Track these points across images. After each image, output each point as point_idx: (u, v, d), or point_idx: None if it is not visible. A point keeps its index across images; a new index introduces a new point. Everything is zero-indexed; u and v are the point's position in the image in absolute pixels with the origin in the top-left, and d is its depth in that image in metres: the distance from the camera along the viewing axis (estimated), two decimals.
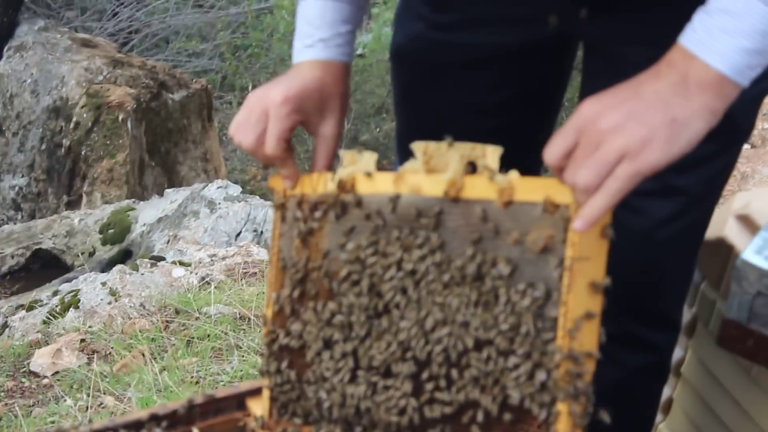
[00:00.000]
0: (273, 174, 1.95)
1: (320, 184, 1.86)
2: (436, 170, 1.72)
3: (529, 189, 1.61)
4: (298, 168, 1.92)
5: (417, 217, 1.72)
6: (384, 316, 1.74)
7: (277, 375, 1.89)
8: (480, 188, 1.66)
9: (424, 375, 1.69)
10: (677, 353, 2.52)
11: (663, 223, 1.97)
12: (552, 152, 1.55)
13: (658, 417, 2.64)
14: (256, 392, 2.04)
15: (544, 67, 2.13)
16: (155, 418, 1.97)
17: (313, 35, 1.97)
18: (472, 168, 1.69)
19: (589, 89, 2.07)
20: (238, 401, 2.05)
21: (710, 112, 1.52)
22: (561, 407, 1.55)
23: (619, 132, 1.48)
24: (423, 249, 1.70)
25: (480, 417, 1.63)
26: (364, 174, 1.80)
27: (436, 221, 1.69)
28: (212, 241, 6.86)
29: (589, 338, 1.57)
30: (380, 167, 1.82)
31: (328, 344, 1.81)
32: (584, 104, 1.55)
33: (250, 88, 15.57)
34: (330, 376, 1.80)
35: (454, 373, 1.66)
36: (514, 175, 1.63)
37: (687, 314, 2.49)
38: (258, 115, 1.87)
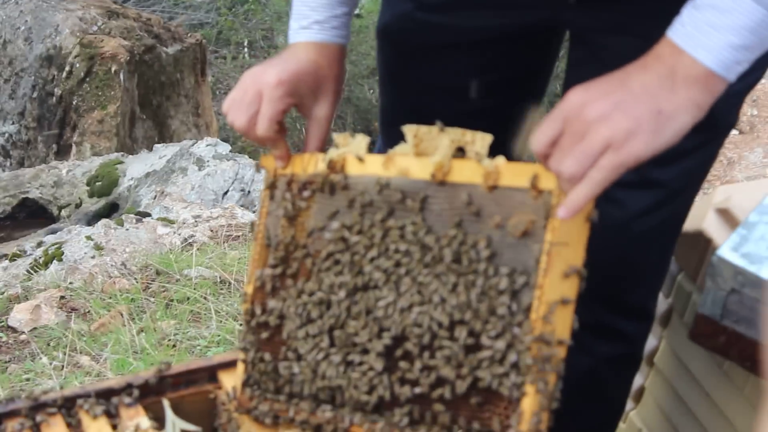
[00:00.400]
0: (265, 153, 1.96)
1: (311, 165, 1.87)
2: (425, 154, 1.73)
3: (514, 174, 1.62)
4: (290, 149, 1.93)
5: (402, 200, 1.72)
6: (362, 294, 1.75)
7: (252, 350, 1.89)
8: (467, 172, 1.67)
9: (397, 353, 1.69)
10: (651, 342, 2.53)
11: (639, 215, 1.97)
12: (538, 139, 1.56)
13: (630, 405, 2.65)
14: (228, 365, 2.05)
15: (529, 53, 2.12)
16: (127, 387, 1.97)
17: (309, 17, 1.96)
18: (461, 154, 1.70)
19: (573, 79, 2.07)
20: (210, 373, 2.05)
21: (696, 106, 1.53)
22: (529, 389, 1.55)
23: (604, 122, 1.49)
24: (405, 231, 1.71)
25: (448, 394, 1.63)
26: (355, 156, 1.81)
27: (421, 205, 1.70)
28: (199, 199, 6.86)
29: (563, 324, 1.58)
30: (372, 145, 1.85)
31: (305, 321, 1.81)
32: (571, 93, 1.56)
33: (245, 43, 15.54)
34: (305, 353, 1.80)
35: (427, 352, 1.66)
36: (500, 160, 1.65)
37: (663, 304, 2.50)
38: (252, 96, 1.89)
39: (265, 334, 1.88)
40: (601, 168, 1.49)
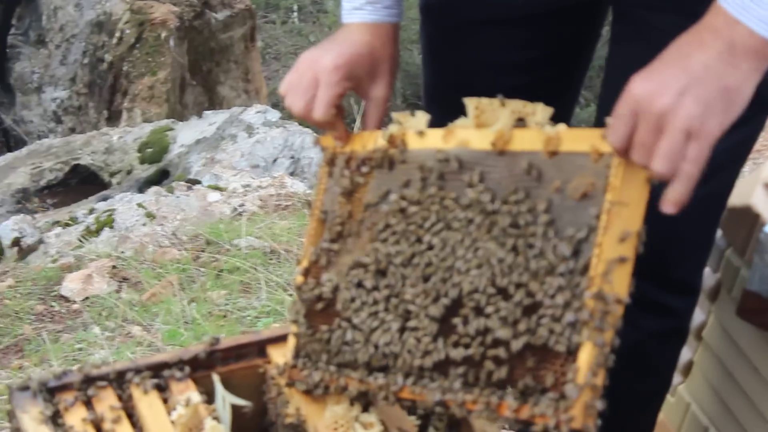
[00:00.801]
0: (323, 133, 1.97)
1: (370, 142, 1.89)
2: (486, 125, 1.74)
3: (575, 139, 1.63)
4: (347, 129, 1.95)
5: (460, 169, 1.74)
6: (419, 260, 1.75)
7: (305, 323, 1.90)
8: (527, 140, 1.68)
9: (453, 318, 1.70)
10: (699, 317, 2.52)
11: None
12: (615, 138, 1.57)
13: (678, 379, 2.64)
14: (277, 339, 2.06)
15: (571, 30, 2.12)
16: (177, 362, 1.99)
17: None
18: (521, 125, 1.71)
19: (616, 56, 2.08)
20: (260, 348, 2.06)
21: (757, 73, 1.55)
22: (586, 345, 1.54)
23: (677, 112, 1.51)
24: (464, 198, 1.72)
25: (503, 354, 1.63)
26: (415, 131, 1.82)
27: (481, 175, 1.71)
28: (248, 166, 6.88)
29: (620, 282, 1.57)
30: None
31: (360, 291, 1.82)
32: (634, 84, 1.57)
33: (295, 8, 15.53)
34: (359, 322, 1.81)
35: (483, 314, 1.66)
36: (561, 126, 1.66)
37: (711, 279, 2.49)
38: (309, 81, 1.91)
39: (319, 306, 1.89)
40: (692, 160, 1.52)
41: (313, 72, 1.91)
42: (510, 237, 1.65)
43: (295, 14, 15.89)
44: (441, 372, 1.71)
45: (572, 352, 1.56)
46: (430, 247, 1.74)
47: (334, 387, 1.85)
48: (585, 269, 1.56)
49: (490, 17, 2.07)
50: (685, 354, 2.55)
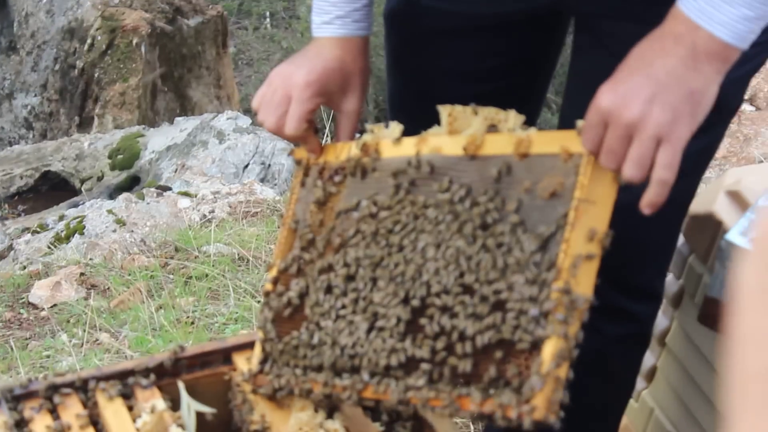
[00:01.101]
0: (297, 145, 1.99)
1: (344, 152, 1.91)
2: (458, 132, 1.77)
3: (545, 142, 1.66)
4: (320, 143, 1.98)
5: (431, 174, 1.76)
6: (388, 262, 1.76)
7: (272, 329, 1.91)
8: (499, 144, 1.71)
9: (419, 317, 1.70)
10: (663, 323, 2.54)
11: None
12: (586, 143, 1.61)
13: (642, 384, 2.66)
14: (243, 347, 2.06)
15: (534, 38, 2.13)
16: (142, 369, 1.99)
17: (330, 12, 1.98)
18: (493, 131, 1.73)
19: (577, 65, 2.10)
20: (225, 355, 2.06)
21: (719, 75, 1.60)
22: (550, 339, 1.55)
23: (646, 121, 1.55)
24: (434, 202, 1.74)
25: (469, 349, 1.63)
26: (389, 139, 1.85)
27: (450, 178, 1.73)
28: (220, 173, 6.88)
29: (586, 278, 1.59)
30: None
31: (328, 294, 1.83)
32: (601, 95, 1.61)
33: (267, 15, 15.52)
34: (326, 325, 1.81)
35: (448, 312, 1.67)
36: (532, 130, 1.69)
37: (674, 285, 2.51)
38: (281, 97, 1.93)
39: (287, 312, 1.90)
40: (666, 165, 1.57)
41: (285, 88, 1.93)
42: (479, 237, 1.67)
43: (268, 20, 15.88)
44: (406, 371, 1.71)
45: (537, 346, 1.57)
46: (400, 249, 1.76)
47: (298, 390, 1.85)
48: (551, 264, 1.58)
49: (453, 26, 2.08)
50: (649, 360, 2.57)
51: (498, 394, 1.58)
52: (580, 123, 1.63)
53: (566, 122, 2.11)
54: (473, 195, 1.70)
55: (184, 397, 1.97)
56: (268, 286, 1.95)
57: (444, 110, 1.79)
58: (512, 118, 1.72)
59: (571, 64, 2.11)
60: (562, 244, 1.58)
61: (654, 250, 2.16)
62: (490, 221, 1.66)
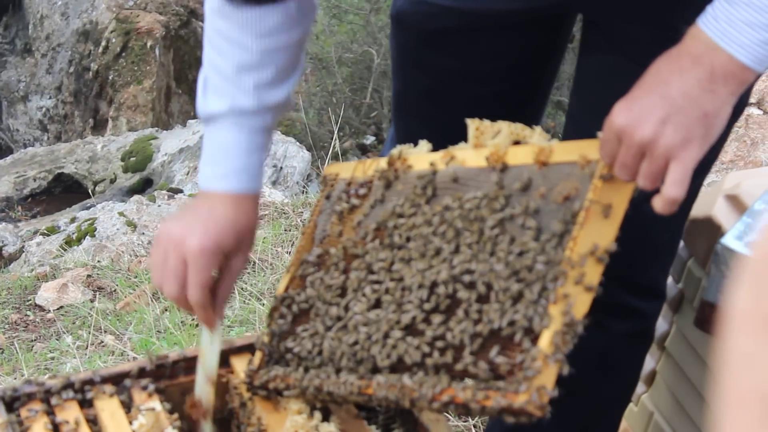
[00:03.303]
0: (331, 163, 2.00)
1: (371, 168, 1.92)
2: (483, 146, 1.79)
3: (565, 151, 1.68)
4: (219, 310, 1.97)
5: (453, 183, 1.77)
6: (400, 267, 1.77)
7: (276, 333, 1.92)
8: (521, 155, 1.72)
9: (431, 317, 1.70)
10: (662, 327, 2.54)
11: (650, 195, 2.00)
12: (604, 158, 1.62)
13: (642, 388, 2.66)
14: (240, 350, 2.07)
15: (541, 39, 2.14)
16: (140, 372, 2.00)
17: (226, 165, 1.92)
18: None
19: (586, 64, 2.11)
20: (223, 358, 2.07)
21: (733, 97, 1.60)
22: (549, 329, 1.55)
23: (659, 141, 1.56)
24: (451, 209, 1.74)
25: (475, 346, 1.63)
26: (415, 154, 1.86)
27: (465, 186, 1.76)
28: None
29: (592, 274, 1.60)
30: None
31: (336, 299, 1.84)
32: (616, 113, 1.61)
33: None
34: (327, 328, 1.82)
35: (449, 313, 1.68)
36: (554, 141, 1.72)
37: (673, 289, 2.51)
38: (175, 263, 1.86)
39: (291, 317, 1.91)
40: (673, 183, 1.57)
41: (179, 253, 1.85)
42: (489, 241, 1.67)
43: None
44: (404, 369, 1.72)
45: (535, 338, 1.57)
46: (411, 251, 1.76)
47: (292, 389, 1.85)
48: (558, 261, 1.59)
49: (461, 26, 2.09)
50: (649, 363, 2.57)
51: (493, 387, 1.58)
52: (599, 133, 1.65)
53: (574, 120, 2.14)
54: (489, 200, 1.71)
55: (205, 334, 1.98)
56: (280, 291, 1.96)
57: (472, 124, 1.80)
58: (537, 134, 1.74)
59: (578, 65, 2.13)
60: (569, 242, 1.59)
61: (659, 248, 2.19)
62: (506, 223, 1.67)
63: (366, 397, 1.76)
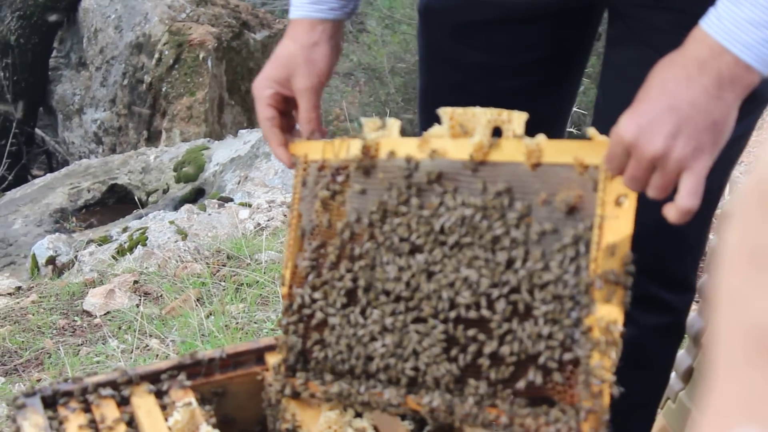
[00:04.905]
0: (293, 141, 1.99)
1: (342, 150, 1.88)
2: (460, 135, 1.75)
3: (557, 151, 1.65)
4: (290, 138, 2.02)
5: (438, 179, 1.74)
6: (413, 276, 1.75)
7: (294, 334, 1.92)
8: (508, 150, 1.69)
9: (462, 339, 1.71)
10: (699, 323, 2.52)
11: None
12: (612, 171, 1.61)
13: (680, 385, 2.64)
14: (275, 347, 2.08)
15: (569, 31, 2.14)
16: (176, 369, 2.02)
17: None
18: (496, 134, 1.72)
19: (612, 58, 2.09)
20: (258, 355, 2.08)
21: (740, 100, 1.59)
22: (592, 355, 1.59)
23: (670, 155, 1.55)
24: (443, 210, 1.73)
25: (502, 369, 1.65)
26: (389, 139, 1.83)
27: (456, 185, 1.72)
28: (281, 184, 6.91)
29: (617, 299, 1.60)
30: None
31: (348, 305, 1.84)
32: (623, 126, 1.59)
33: None
34: (353, 332, 1.82)
35: (478, 326, 1.69)
36: (541, 137, 1.67)
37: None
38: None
39: (306, 320, 1.91)
40: (687, 193, 1.56)
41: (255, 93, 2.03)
42: (500, 251, 1.67)
43: None
44: (425, 384, 1.72)
45: (578, 364, 1.60)
46: (418, 259, 1.75)
47: (322, 395, 1.86)
48: (584, 285, 1.59)
49: (489, 19, 2.09)
50: (686, 360, 2.55)
51: (543, 414, 1.61)
52: (591, 131, 1.63)
53: (601, 114, 2.13)
54: (486, 207, 1.69)
55: None
56: (283, 289, 1.95)
57: (444, 113, 1.77)
58: (516, 118, 1.70)
59: (604, 58, 2.11)
60: (591, 263, 1.58)
61: (688, 241, 2.17)
62: (508, 235, 1.66)
63: (407, 409, 1.78)
